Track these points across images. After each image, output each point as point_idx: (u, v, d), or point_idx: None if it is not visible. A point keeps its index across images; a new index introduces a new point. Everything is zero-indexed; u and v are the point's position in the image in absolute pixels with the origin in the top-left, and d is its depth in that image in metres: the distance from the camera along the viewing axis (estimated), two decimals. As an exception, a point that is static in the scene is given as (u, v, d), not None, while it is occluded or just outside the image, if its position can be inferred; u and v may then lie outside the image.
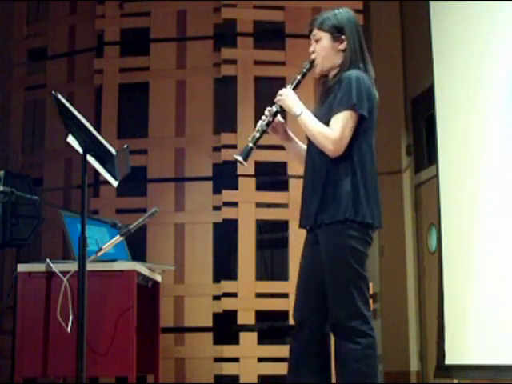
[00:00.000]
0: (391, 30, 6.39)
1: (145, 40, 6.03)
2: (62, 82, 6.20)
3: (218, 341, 5.58)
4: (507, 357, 4.43)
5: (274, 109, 3.32)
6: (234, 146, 5.67)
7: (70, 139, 3.49)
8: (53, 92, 3.28)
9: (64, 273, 3.71)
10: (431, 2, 5.51)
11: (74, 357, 3.27)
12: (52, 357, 3.72)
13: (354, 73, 3.22)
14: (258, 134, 3.28)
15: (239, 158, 3.25)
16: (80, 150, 3.43)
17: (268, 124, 3.31)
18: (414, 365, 6.00)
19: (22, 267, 3.84)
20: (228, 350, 5.55)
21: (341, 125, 3.16)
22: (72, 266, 3.65)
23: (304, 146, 3.43)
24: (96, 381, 5.45)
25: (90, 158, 3.46)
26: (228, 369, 5.54)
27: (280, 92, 3.32)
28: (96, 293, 3.68)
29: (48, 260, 3.79)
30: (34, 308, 3.76)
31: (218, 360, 5.54)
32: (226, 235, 5.78)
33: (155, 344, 4.37)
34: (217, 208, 5.74)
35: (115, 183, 3.59)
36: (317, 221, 3.20)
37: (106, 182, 3.72)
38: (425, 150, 6.16)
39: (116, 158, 3.43)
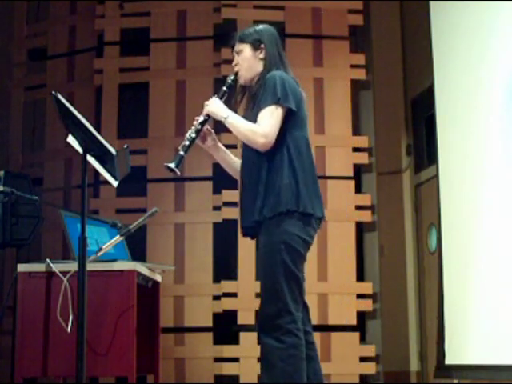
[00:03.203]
0: (391, 30, 6.38)
1: (145, 40, 6.04)
2: (62, 82, 6.21)
3: (218, 341, 5.59)
4: (507, 357, 4.42)
5: (202, 118, 3.42)
6: (234, 146, 5.65)
7: (70, 139, 3.50)
8: (53, 92, 3.28)
9: (64, 273, 3.71)
10: (431, 2, 5.51)
11: (74, 357, 3.27)
12: (52, 357, 3.72)
13: (276, 72, 3.36)
14: (187, 143, 3.38)
15: (171, 165, 3.34)
16: (80, 150, 3.44)
17: (197, 132, 3.41)
18: (414, 365, 5.99)
19: (21, 267, 3.84)
20: (228, 350, 5.55)
21: (267, 119, 3.26)
22: (72, 266, 3.65)
23: (235, 158, 3.56)
24: (96, 381, 5.45)
25: (90, 158, 3.47)
26: (228, 369, 5.55)
27: (206, 102, 3.45)
28: (96, 293, 3.68)
29: (48, 260, 3.79)
30: (34, 308, 3.76)
31: (217, 360, 5.54)
32: (225, 235, 5.78)
33: (155, 344, 4.36)
34: (217, 208, 5.74)
35: (115, 183, 3.59)
36: (260, 217, 3.25)
37: (106, 182, 3.73)
38: (425, 150, 6.15)
39: (116, 158, 3.44)
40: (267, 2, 6.03)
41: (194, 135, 3.39)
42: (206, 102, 3.44)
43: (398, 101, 6.33)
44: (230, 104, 3.48)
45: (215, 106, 3.40)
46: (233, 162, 3.58)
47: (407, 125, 6.35)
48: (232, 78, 3.48)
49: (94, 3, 6.14)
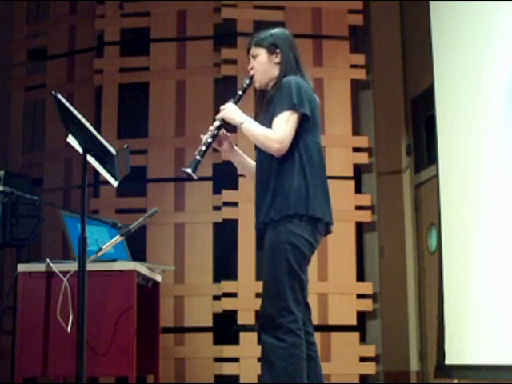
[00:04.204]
0: (391, 30, 6.38)
1: (145, 40, 6.04)
2: (61, 82, 6.21)
3: (217, 341, 5.59)
4: (507, 357, 4.42)
5: (218, 122, 3.43)
6: (234, 146, 5.67)
7: (70, 139, 3.50)
8: (53, 92, 3.28)
9: (64, 273, 3.71)
10: (431, 2, 5.51)
11: (74, 357, 3.28)
12: (52, 357, 3.72)
13: (291, 78, 3.36)
14: (204, 148, 3.39)
15: (188, 170, 3.34)
16: (80, 149, 3.44)
17: (213, 137, 3.42)
18: (414, 365, 6.00)
19: (22, 267, 3.84)
20: (228, 350, 5.55)
21: (283, 125, 3.27)
22: (72, 266, 3.65)
23: (251, 161, 3.55)
24: (96, 381, 5.45)
25: (90, 158, 3.47)
26: (228, 369, 5.55)
27: (222, 107, 3.46)
28: (96, 293, 3.68)
29: (48, 260, 3.79)
30: (34, 308, 3.76)
31: (218, 360, 5.55)
32: (225, 235, 5.78)
33: (155, 344, 4.36)
34: (217, 208, 5.74)
35: (115, 183, 3.59)
36: (266, 219, 3.26)
37: (106, 182, 3.73)
38: (425, 150, 6.16)
39: (116, 158, 3.44)
40: (267, 2, 6.02)
41: (210, 140, 3.41)
42: (222, 107, 3.45)
43: (398, 101, 6.33)
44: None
45: (232, 112, 3.41)
46: (249, 165, 3.57)
47: (407, 125, 6.35)
48: (247, 82, 3.49)
49: (93, 3, 6.14)
